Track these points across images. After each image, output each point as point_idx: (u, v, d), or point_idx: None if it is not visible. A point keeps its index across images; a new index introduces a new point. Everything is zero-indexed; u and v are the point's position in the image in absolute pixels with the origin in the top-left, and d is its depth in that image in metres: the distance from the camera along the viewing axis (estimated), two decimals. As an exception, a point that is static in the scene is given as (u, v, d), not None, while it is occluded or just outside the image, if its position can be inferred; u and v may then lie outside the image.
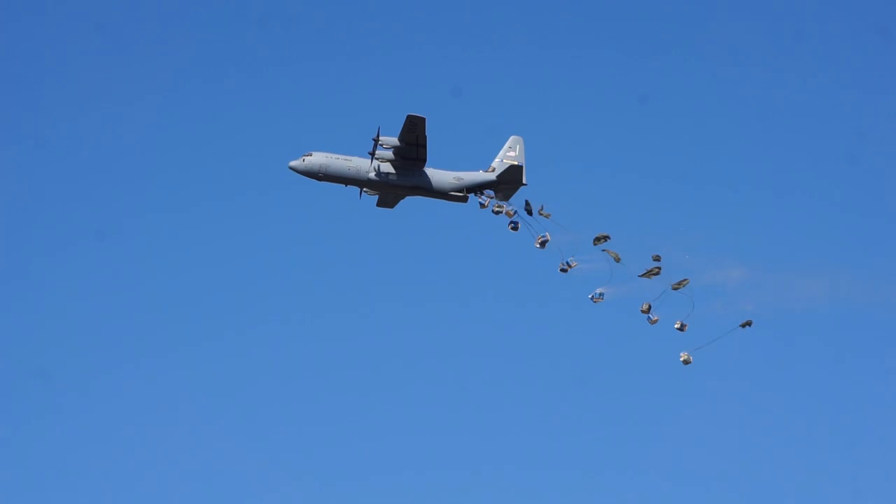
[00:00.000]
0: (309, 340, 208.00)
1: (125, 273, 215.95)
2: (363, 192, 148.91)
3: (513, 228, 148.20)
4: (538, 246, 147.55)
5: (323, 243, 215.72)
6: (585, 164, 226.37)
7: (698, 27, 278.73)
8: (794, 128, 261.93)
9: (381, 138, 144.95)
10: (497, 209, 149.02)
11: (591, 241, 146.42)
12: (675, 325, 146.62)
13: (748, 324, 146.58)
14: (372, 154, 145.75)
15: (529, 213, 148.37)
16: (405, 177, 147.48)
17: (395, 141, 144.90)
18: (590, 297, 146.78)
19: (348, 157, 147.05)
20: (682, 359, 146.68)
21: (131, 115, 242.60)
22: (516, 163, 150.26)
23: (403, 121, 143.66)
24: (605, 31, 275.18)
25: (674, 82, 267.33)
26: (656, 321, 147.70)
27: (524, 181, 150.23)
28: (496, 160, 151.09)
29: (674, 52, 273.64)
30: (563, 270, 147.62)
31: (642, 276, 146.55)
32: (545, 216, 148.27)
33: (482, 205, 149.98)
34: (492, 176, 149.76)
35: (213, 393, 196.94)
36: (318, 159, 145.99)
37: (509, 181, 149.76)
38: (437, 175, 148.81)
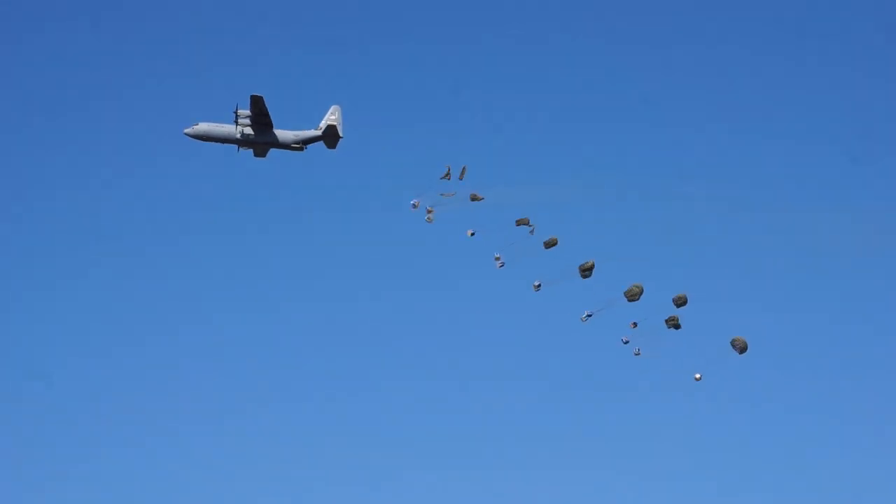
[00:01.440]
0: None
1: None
2: (239, 149, 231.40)
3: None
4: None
5: (215, 184, 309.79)
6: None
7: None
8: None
9: (239, 111, 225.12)
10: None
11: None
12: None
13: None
14: (235, 122, 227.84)
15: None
16: (260, 136, 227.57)
17: (248, 112, 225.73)
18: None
19: (222, 125, 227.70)
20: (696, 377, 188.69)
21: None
22: (334, 123, 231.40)
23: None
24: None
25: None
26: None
27: (340, 135, 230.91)
28: (322, 122, 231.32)
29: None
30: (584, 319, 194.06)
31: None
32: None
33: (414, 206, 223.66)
34: (318, 132, 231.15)
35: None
36: (202, 127, 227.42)
37: (330, 135, 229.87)
38: (282, 133, 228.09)
